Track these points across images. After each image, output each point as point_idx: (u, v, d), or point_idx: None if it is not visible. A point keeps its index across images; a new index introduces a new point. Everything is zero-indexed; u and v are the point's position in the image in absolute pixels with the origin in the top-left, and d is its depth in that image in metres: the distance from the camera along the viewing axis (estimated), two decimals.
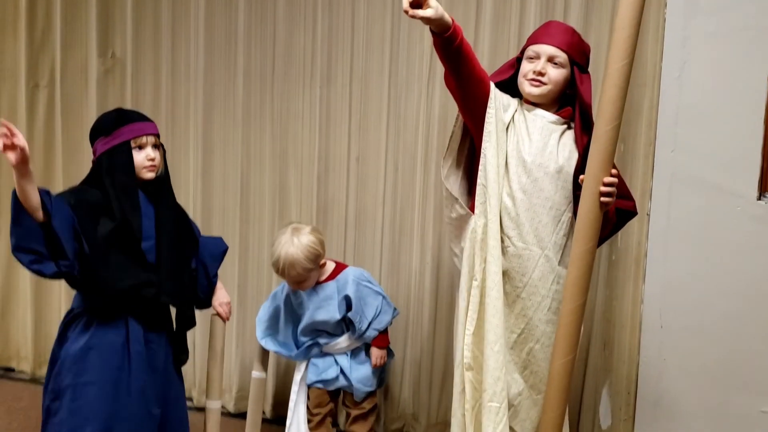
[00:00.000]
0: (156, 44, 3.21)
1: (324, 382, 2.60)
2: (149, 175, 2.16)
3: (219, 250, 2.41)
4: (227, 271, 2.99)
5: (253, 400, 2.69)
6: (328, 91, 2.98)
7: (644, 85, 2.55)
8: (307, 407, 2.64)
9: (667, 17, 2.51)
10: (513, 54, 2.41)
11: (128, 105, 3.24)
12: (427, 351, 2.92)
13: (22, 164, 1.82)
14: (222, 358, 2.44)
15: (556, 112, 2.14)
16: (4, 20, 3.42)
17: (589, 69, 2.19)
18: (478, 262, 2.07)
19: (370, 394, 2.63)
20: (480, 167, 2.08)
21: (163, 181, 2.23)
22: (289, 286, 2.56)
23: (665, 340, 2.60)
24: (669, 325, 2.60)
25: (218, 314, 2.40)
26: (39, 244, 1.92)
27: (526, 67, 2.12)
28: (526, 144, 2.09)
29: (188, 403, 3.15)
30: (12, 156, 1.81)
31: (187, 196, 3.16)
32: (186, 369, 3.16)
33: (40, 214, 1.90)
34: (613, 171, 1.90)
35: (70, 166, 3.37)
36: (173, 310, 2.27)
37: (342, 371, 2.58)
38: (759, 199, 2.45)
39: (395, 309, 2.63)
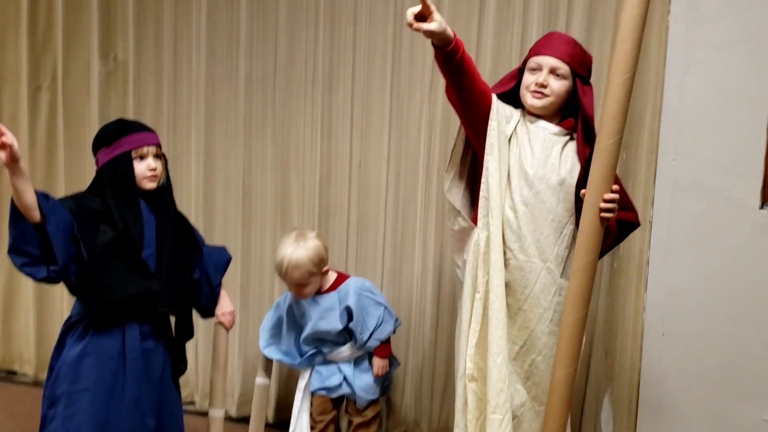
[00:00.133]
0: (158, 48, 3.20)
1: (327, 389, 2.60)
2: (150, 185, 2.17)
3: (222, 260, 2.41)
4: (230, 276, 2.97)
5: (257, 406, 2.70)
6: (330, 97, 2.97)
7: (647, 93, 2.55)
8: (310, 414, 2.64)
9: (670, 24, 2.50)
10: (516, 63, 2.40)
11: (130, 108, 3.25)
12: (429, 357, 2.93)
13: (12, 162, 1.82)
14: (225, 367, 2.44)
15: (558, 124, 2.14)
16: (5, 22, 3.41)
17: (592, 79, 2.19)
18: (480, 274, 2.07)
19: (372, 402, 2.63)
20: (482, 180, 2.08)
21: (164, 191, 2.23)
22: (290, 292, 2.56)
23: (667, 347, 2.60)
24: (671, 333, 2.60)
25: (221, 323, 2.40)
26: (33, 247, 1.92)
27: (528, 78, 2.12)
28: (528, 156, 2.09)
29: (191, 408, 3.23)
30: (2, 154, 1.81)
31: (189, 201, 3.16)
32: (189, 373, 3.21)
33: (35, 214, 1.89)
34: (614, 187, 1.90)
35: (72, 167, 3.37)
36: (173, 320, 2.28)
37: (345, 379, 2.59)
38: (761, 207, 2.45)
39: (397, 319, 2.63)
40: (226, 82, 3.11)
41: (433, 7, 1.83)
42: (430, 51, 2.70)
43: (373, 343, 2.54)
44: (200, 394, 3.23)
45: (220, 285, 2.39)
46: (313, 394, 2.63)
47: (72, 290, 2.13)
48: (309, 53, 2.98)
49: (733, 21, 2.44)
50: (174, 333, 2.27)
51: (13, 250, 1.92)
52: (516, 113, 2.15)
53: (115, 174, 2.12)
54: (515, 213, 2.07)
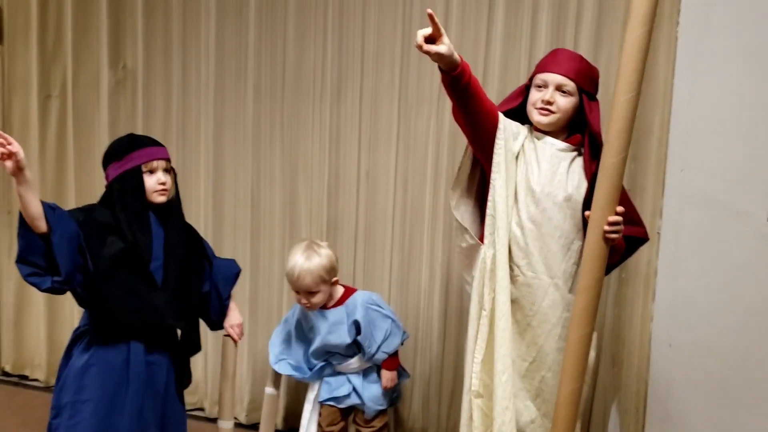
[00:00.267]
0: (167, 57, 3.22)
1: (336, 399, 2.62)
2: (160, 199, 2.19)
3: (232, 272, 2.43)
4: (239, 285, 2.98)
5: (266, 416, 2.72)
6: (338, 107, 2.98)
7: (655, 104, 2.54)
8: (319, 424, 2.66)
9: (679, 35, 2.49)
10: (524, 77, 2.41)
11: (139, 116, 3.27)
12: (437, 367, 2.94)
13: (18, 171, 1.85)
14: (234, 379, 2.46)
15: (565, 140, 2.14)
16: (15, 31, 3.43)
17: (600, 93, 2.19)
18: (487, 292, 2.08)
19: (380, 413, 2.65)
20: (489, 198, 2.08)
21: (173, 204, 2.25)
22: (298, 301, 2.55)
23: (674, 357, 2.60)
24: (678, 343, 2.60)
25: (229, 335, 2.42)
26: (39, 257, 1.96)
27: (534, 95, 2.12)
28: (534, 173, 2.09)
29: (200, 414, 3.26)
30: (9, 164, 1.84)
31: (198, 210, 3.18)
32: (198, 380, 3.25)
33: (41, 225, 1.93)
34: (619, 209, 1.89)
35: (82, 175, 3.39)
36: (180, 333, 2.30)
37: (354, 389, 2.60)
38: None
39: (405, 332, 2.64)
40: (235, 92, 3.13)
41: (442, 30, 1.84)
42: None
43: (381, 356, 2.55)
44: (209, 401, 3.26)
45: (229, 297, 2.41)
46: (321, 404, 2.65)
47: (79, 301, 2.16)
48: (317, 64, 2.99)
49: (742, 33, 2.42)
50: (179, 346, 2.28)
51: (20, 260, 1.97)
52: (523, 130, 2.16)
53: (125, 188, 2.14)
54: (522, 230, 2.08)
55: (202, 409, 3.29)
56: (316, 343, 2.55)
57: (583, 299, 1.93)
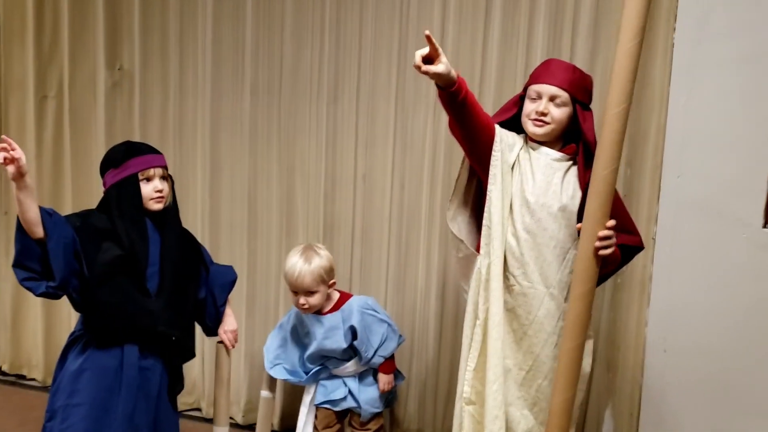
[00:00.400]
0: (163, 58, 3.21)
1: (332, 402, 2.63)
2: (157, 206, 2.20)
3: (228, 279, 2.43)
4: (236, 287, 3.02)
5: (262, 419, 2.73)
6: (335, 107, 2.98)
7: (651, 110, 2.54)
8: (315, 427, 2.68)
9: (676, 42, 2.50)
10: (520, 84, 2.42)
11: (136, 117, 3.27)
12: (432, 369, 2.96)
13: (19, 177, 1.88)
14: (228, 385, 2.47)
15: (560, 149, 2.14)
16: (11, 32, 3.43)
17: (596, 100, 2.18)
18: (481, 302, 2.10)
19: (376, 415, 2.66)
20: (485, 209, 2.09)
21: (170, 211, 2.26)
22: (296, 303, 2.55)
23: (668, 362, 2.62)
24: (672, 348, 2.62)
25: (222, 341, 2.42)
26: (34, 262, 1.99)
27: (528, 107, 2.12)
28: (529, 183, 2.10)
29: (197, 414, 3.27)
30: (11, 169, 1.86)
31: (195, 210, 3.18)
32: (196, 380, 3.26)
33: (38, 230, 1.96)
34: (609, 223, 1.91)
35: (78, 175, 3.39)
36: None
37: (350, 392, 2.61)
38: (764, 226, 2.45)
39: (401, 336, 2.65)
40: (232, 93, 3.12)
41: (440, 50, 1.85)
42: None
43: (377, 360, 2.56)
44: (206, 401, 3.27)
45: (224, 304, 2.42)
46: (317, 407, 2.66)
47: (75, 306, 2.17)
48: (314, 65, 2.99)
49: (738, 40, 2.43)
50: (173, 352, 2.28)
51: (16, 265, 2.00)
52: (519, 140, 2.16)
53: (122, 195, 2.16)
54: (517, 240, 2.08)
55: (198, 410, 3.31)
56: (312, 348, 2.56)
57: (575, 309, 1.95)
